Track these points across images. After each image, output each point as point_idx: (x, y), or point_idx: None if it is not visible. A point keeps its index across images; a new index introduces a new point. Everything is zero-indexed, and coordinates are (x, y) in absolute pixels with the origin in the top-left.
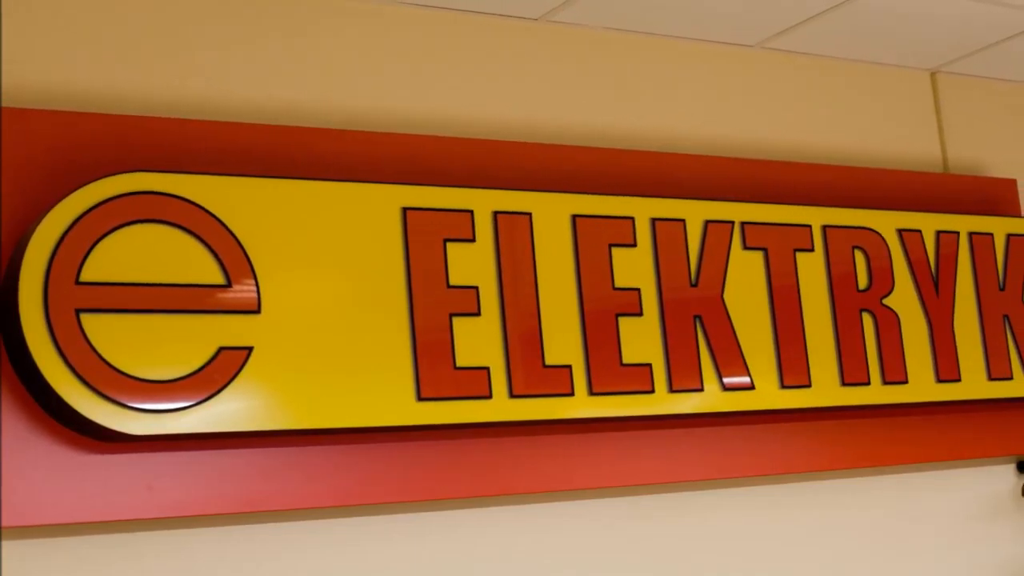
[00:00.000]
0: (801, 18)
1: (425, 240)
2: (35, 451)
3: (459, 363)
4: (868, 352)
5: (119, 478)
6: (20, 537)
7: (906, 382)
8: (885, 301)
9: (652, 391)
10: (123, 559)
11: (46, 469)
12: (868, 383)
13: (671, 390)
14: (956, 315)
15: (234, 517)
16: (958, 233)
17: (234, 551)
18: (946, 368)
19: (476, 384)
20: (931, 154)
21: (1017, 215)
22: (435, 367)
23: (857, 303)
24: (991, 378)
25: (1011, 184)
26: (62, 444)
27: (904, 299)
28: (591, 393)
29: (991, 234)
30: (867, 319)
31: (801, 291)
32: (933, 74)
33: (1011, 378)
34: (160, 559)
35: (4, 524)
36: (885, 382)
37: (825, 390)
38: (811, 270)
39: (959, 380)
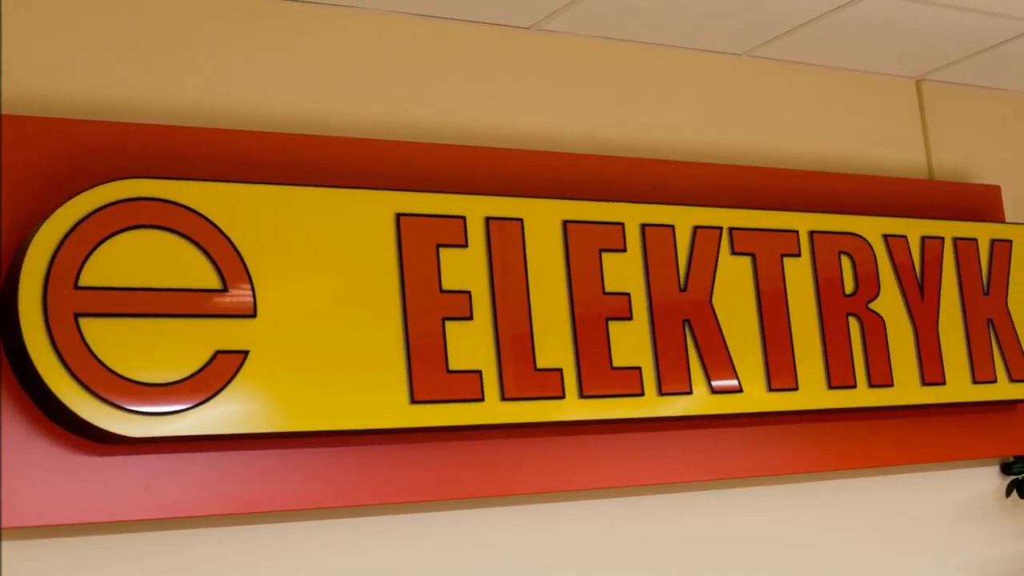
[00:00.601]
0: (789, 27)
1: (418, 245)
2: (35, 453)
3: (452, 366)
4: (854, 356)
5: (117, 480)
6: (20, 538)
7: (892, 385)
8: (871, 305)
9: (642, 394)
10: (122, 559)
11: (45, 471)
12: (854, 386)
13: (660, 393)
14: (941, 319)
15: (231, 518)
16: (943, 239)
17: (231, 551)
18: (931, 371)
19: (468, 387)
20: (917, 161)
21: (1001, 221)
22: (428, 370)
23: (844, 307)
24: (975, 381)
25: (995, 190)
26: (61, 446)
27: (890, 304)
28: (582, 396)
29: (975, 239)
30: (853, 323)
31: (788, 296)
32: (919, 82)
33: (995, 381)
34: (159, 559)
35: (4, 525)
36: (871, 385)
37: (812, 393)
38: (798, 275)
39: (944, 383)
